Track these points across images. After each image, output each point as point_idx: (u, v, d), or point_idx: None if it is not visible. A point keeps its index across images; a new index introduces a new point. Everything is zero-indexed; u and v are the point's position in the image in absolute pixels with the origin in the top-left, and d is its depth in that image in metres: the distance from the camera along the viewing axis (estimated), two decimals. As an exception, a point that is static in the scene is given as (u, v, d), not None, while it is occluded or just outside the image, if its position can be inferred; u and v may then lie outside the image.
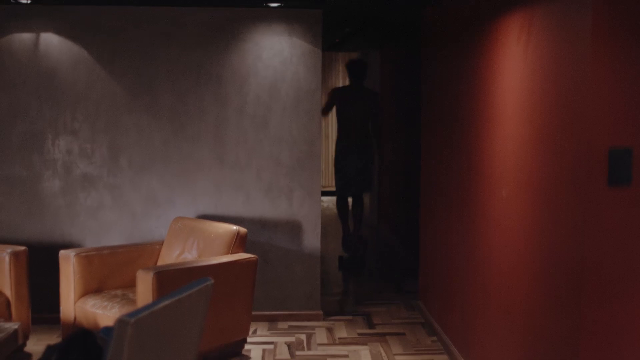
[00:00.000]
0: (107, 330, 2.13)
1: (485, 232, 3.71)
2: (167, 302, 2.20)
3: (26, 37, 4.91)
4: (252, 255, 4.38)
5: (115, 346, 2.01)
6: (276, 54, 5.03)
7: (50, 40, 4.92)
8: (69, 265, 4.30)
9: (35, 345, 4.48)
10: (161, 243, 4.78)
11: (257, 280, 5.03)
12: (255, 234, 5.08)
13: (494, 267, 3.55)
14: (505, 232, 3.38)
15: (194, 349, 2.45)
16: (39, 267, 4.85)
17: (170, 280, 3.86)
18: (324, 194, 12.34)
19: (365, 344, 4.67)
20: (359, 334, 4.88)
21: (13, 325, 3.61)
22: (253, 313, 4.93)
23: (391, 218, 8.33)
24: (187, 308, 2.34)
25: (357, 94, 6.93)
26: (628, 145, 2.48)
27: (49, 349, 2.21)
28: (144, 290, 3.82)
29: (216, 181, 5.07)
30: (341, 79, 13.00)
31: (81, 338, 2.24)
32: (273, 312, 5.15)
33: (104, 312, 4.05)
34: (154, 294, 3.79)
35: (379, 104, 7.14)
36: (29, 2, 4.77)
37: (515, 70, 3.24)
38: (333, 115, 7.16)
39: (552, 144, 2.82)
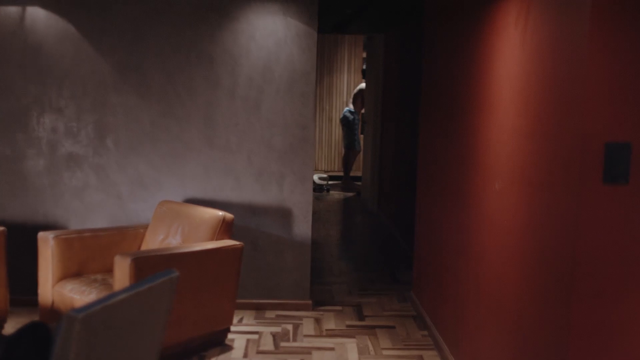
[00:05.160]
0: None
1: (478, 225, 3.55)
2: (123, 296, 2.05)
3: (11, 10, 4.75)
4: (237, 242, 4.23)
5: (61, 344, 1.87)
6: (270, 34, 4.85)
7: (37, 15, 4.75)
8: (47, 248, 4.16)
9: (14, 327, 4.36)
10: (146, 227, 4.64)
11: (246, 268, 4.89)
12: (245, 220, 4.94)
13: (486, 261, 3.40)
14: (498, 226, 3.22)
15: (156, 346, 2.31)
16: (21, 248, 4.74)
17: (150, 266, 3.72)
18: (333, 177, 12.24)
19: (353, 337, 4.52)
20: (347, 326, 4.73)
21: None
22: (240, 301, 4.80)
23: (391, 207, 8.17)
24: (147, 302, 2.19)
25: None
26: (626, 141, 2.31)
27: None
28: (122, 276, 3.68)
29: (205, 164, 4.92)
30: (346, 63, 12.80)
31: (32, 331, 2.10)
32: (261, 300, 5.01)
33: (81, 297, 3.91)
34: (131, 281, 3.65)
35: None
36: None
37: (512, 57, 3.07)
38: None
39: (546, 136, 2.65)
